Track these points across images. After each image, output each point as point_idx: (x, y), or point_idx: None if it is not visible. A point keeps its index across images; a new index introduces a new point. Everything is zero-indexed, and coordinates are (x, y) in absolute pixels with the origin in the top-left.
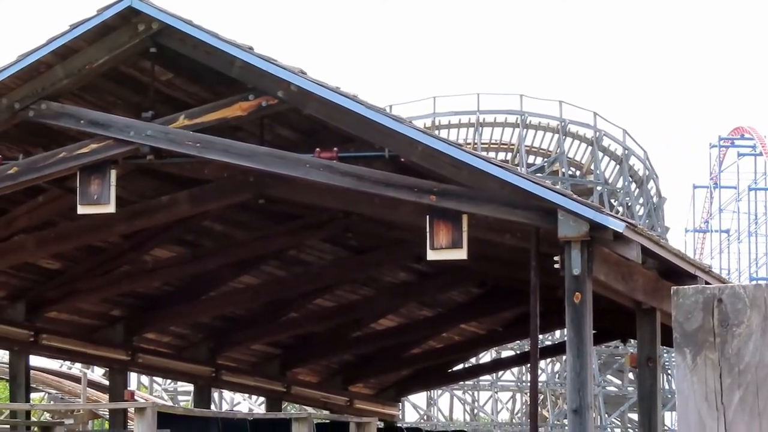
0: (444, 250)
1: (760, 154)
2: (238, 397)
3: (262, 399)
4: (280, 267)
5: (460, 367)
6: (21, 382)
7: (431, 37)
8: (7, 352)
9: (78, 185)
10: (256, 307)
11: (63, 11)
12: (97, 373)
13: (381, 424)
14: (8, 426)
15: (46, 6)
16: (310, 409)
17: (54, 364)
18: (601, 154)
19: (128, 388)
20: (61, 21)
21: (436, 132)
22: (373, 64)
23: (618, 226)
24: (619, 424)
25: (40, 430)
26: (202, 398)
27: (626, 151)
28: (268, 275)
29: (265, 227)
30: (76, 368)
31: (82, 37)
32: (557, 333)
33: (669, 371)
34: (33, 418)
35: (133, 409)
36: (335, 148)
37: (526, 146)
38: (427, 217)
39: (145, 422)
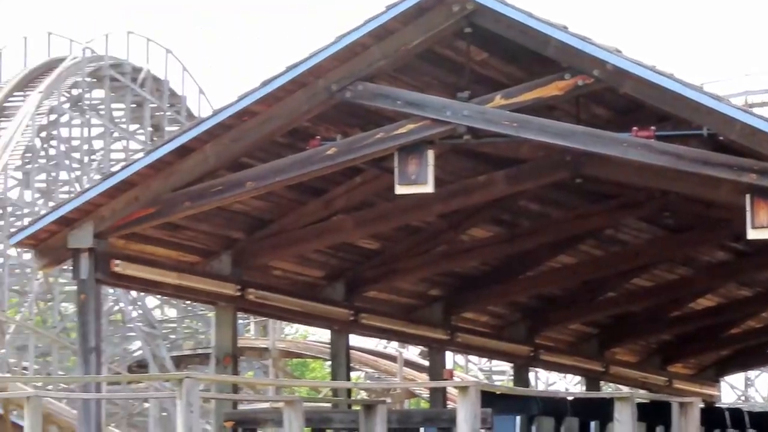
0: (765, 229)
1: None
2: (553, 376)
3: (577, 379)
4: (597, 246)
5: None
6: (342, 362)
7: (743, 13)
8: (328, 332)
9: (396, 165)
10: (574, 286)
11: None
12: (412, 353)
13: (701, 405)
14: (329, 404)
15: None
16: (625, 389)
17: (369, 343)
18: None
19: (446, 368)
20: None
21: None
22: (683, 42)
23: None
24: None
25: (363, 408)
26: (521, 378)
27: None
28: (585, 254)
29: (582, 206)
30: (391, 347)
31: (398, 18)
32: None
33: None
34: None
35: (453, 388)
36: (652, 127)
37: None
38: (747, 196)
39: (468, 401)
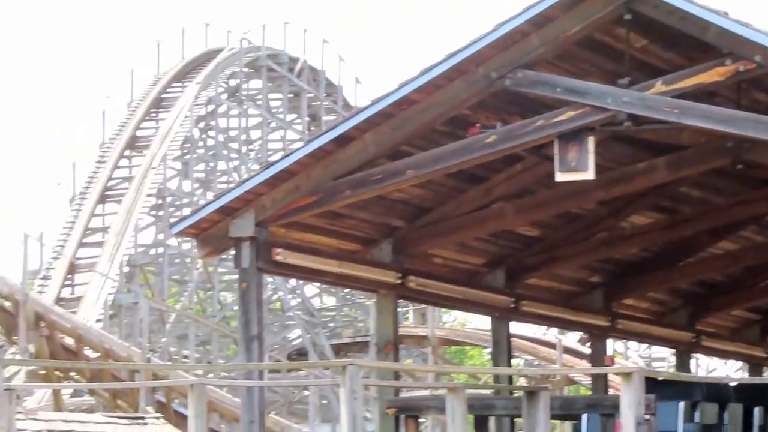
0: None
1: None
2: (714, 363)
3: (738, 365)
4: (758, 232)
5: None
6: (503, 349)
7: None
8: (485, 319)
9: (556, 152)
10: (736, 272)
11: None
12: (571, 339)
13: None
14: (491, 390)
15: None
16: None
17: (527, 330)
18: None
19: (608, 354)
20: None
21: None
22: None
23: None
24: None
25: (526, 394)
26: (683, 364)
27: None
28: (746, 240)
29: (743, 192)
30: (550, 334)
31: (557, 6)
32: None
33: None
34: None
35: (616, 374)
36: None
37: None
38: None
39: (632, 387)
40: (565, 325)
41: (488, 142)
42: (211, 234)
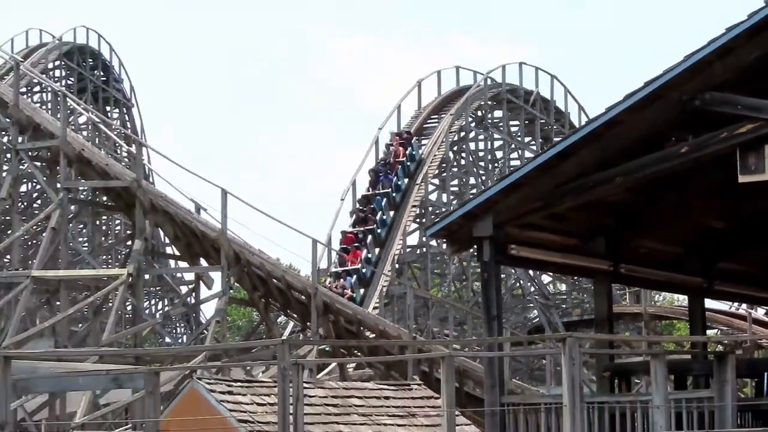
0: None
1: None
2: None
3: None
4: None
5: None
6: (698, 322)
7: None
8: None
9: (738, 159)
10: None
11: None
12: (760, 313)
13: None
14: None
15: None
16: None
17: (725, 306)
18: None
19: None
20: None
21: None
22: None
23: None
24: None
25: (716, 358)
26: None
27: None
28: None
29: None
30: (743, 309)
31: (738, 37)
32: None
33: None
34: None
35: None
36: None
37: None
38: None
39: None
40: (755, 302)
41: (682, 152)
42: (458, 235)
